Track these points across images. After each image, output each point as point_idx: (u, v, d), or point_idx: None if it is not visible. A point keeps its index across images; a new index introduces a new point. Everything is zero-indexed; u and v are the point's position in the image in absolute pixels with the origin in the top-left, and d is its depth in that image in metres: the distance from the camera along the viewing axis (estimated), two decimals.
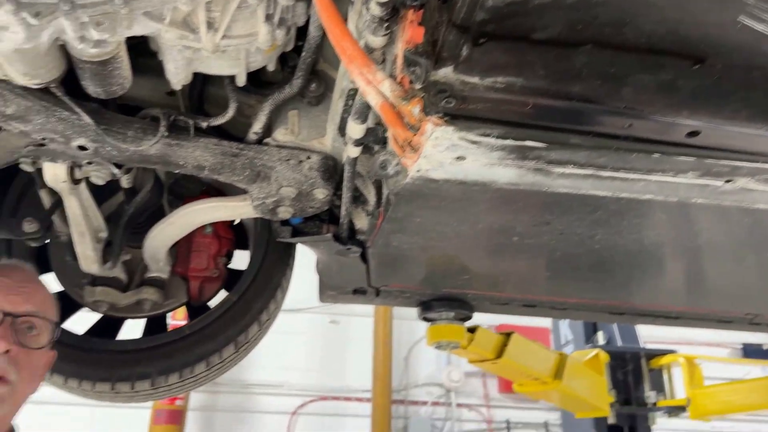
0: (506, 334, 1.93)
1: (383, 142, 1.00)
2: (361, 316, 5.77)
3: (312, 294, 5.71)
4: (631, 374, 3.37)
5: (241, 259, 1.83)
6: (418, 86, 0.72)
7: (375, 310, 5.58)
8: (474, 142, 0.74)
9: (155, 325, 1.73)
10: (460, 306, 1.70)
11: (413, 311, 5.90)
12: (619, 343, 3.43)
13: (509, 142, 0.76)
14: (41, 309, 1.10)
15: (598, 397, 2.50)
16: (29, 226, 1.26)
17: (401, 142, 0.77)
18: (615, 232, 1.24)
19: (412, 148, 0.76)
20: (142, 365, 1.51)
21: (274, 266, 1.68)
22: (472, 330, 1.81)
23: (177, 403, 4.65)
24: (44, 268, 1.74)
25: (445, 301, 1.68)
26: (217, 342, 1.59)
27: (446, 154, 0.77)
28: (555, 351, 2.34)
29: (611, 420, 2.83)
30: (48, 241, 1.71)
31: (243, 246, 1.88)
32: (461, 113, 0.75)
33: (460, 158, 0.78)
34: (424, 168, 0.81)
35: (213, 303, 1.73)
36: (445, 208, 1.16)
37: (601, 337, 3.20)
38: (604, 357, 2.80)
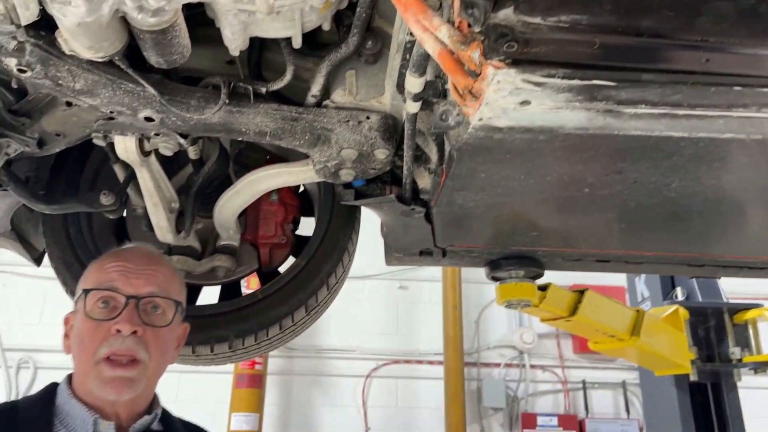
0: (580, 292, 1.88)
1: (443, 94, 0.97)
2: (429, 281, 5.79)
3: (380, 261, 5.82)
4: (714, 330, 3.24)
5: (307, 226, 1.85)
6: (476, 29, 0.69)
7: (443, 275, 5.57)
8: (538, 84, 0.71)
9: (230, 291, 1.78)
10: (530, 264, 1.66)
11: (482, 274, 5.87)
12: (700, 298, 3.29)
13: (576, 82, 0.72)
14: (162, 289, 1.15)
15: (679, 354, 2.42)
16: (106, 199, 1.32)
17: (462, 90, 0.74)
18: (692, 178, 1.17)
19: (473, 95, 0.73)
20: (220, 329, 1.56)
21: (339, 230, 1.69)
22: (543, 288, 1.77)
23: (256, 367, 4.84)
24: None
25: (514, 260, 1.64)
26: (289, 305, 1.62)
27: (509, 100, 0.73)
28: (632, 307, 2.27)
29: (693, 377, 2.74)
30: (125, 215, 1.79)
31: (308, 213, 1.91)
32: (523, 57, 0.72)
33: (524, 103, 0.75)
34: (486, 116, 0.78)
35: (283, 269, 1.77)
36: (511, 161, 1.12)
37: (679, 293, 3.08)
38: (684, 313, 2.69)
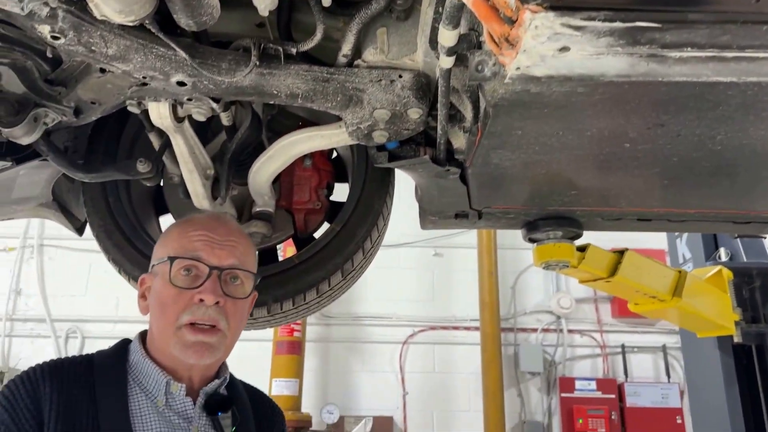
0: (620, 252, 1.84)
1: (478, 47, 0.94)
2: (464, 248, 5.77)
3: (415, 229, 5.82)
4: (759, 291, 3.15)
5: (341, 192, 1.85)
6: None
7: (478, 241, 5.54)
8: (578, 29, 0.68)
9: (266, 257, 1.80)
10: (569, 224, 1.62)
11: (517, 240, 5.85)
12: (744, 259, 3.20)
13: (618, 25, 0.68)
14: (242, 261, 1.17)
15: (722, 315, 2.36)
16: (142, 166, 1.33)
17: (497, 38, 0.72)
18: (739, 129, 1.12)
19: (509, 43, 0.71)
20: (258, 294, 1.58)
21: (373, 195, 1.69)
22: (582, 249, 1.74)
23: (295, 335, 4.93)
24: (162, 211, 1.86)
25: (552, 220, 1.61)
26: (325, 270, 1.63)
27: (548, 46, 0.71)
28: (673, 268, 2.22)
29: (737, 339, 2.68)
30: (162, 184, 1.81)
31: (342, 179, 1.91)
32: (561, 3, 0.68)
33: (563, 49, 0.72)
34: (524, 65, 0.75)
35: (317, 235, 1.78)
36: (548, 116, 1.09)
37: (723, 254, 3.00)
38: (728, 274, 2.62)
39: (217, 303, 1.10)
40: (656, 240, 3.94)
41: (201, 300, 1.09)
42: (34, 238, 5.76)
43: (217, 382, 1.16)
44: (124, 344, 1.18)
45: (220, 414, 1.12)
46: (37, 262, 5.72)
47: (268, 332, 5.01)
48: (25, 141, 1.21)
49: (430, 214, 1.65)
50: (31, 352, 5.38)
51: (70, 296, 5.64)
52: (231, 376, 1.23)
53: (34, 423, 0.99)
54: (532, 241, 1.69)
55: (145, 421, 1.06)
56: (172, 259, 1.12)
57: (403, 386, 5.41)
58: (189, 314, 1.09)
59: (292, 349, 4.88)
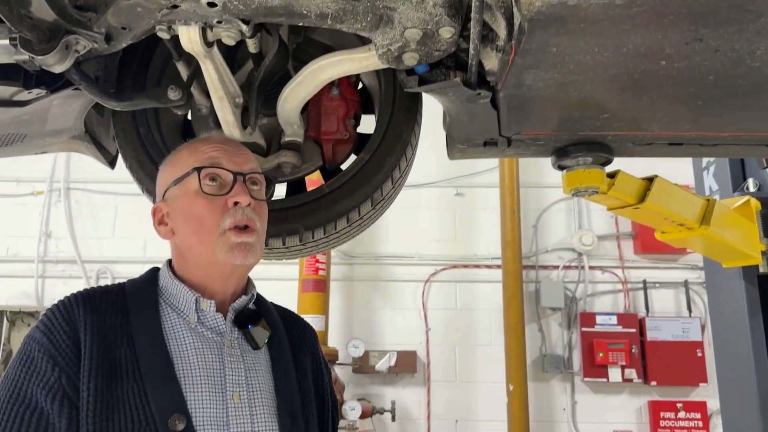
0: (649, 179, 1.83)
1: None
2: (486, 187, 5.75)
3: (436, 169, 5.84)
4: None
5: (367, 125, 1.85)
6: None
7: (500, 180, 5.52)
8: None
9: (296, 187, 1.82)
10: (599, 149, 1.61)
11: (540, 178, 5.82)
12: None
13: None
14: (258, 166, 1.24)
15: (749, 245, 2.35)
16: (173, 94, 1.34)
17: None
18: None
19: None
20: (290, 222, 1.61)
21: (401, 123, 1.68)
22: (611, 175, 1.73)
23: (320, 273, 5.02)
24: None
25: (583, 145, 1.60)
26: (355, 199, 1.65)
27: None
28: (702, 196, 2.20)
29: (763, 269, 2.66)
30: (190, 116, 1.82)
31: (369, 110, 1.90)
32: None
33: None
34: None
35: (345, 167, 1.79)
36: (584, 32, 1.07)
37: (751, 184, 2.95)
38: (756, 204, 2.59)
39: (249, 204, 1.15)
40: (683, 174, 3.88)
41: (235, 203, 1.14)
42: (61, 182, 5.86)
43: (245, 297, 1.20)
44: (154, 271, 1.23)
45: (250, 327, 1.16)
46: (65, 205, 5.84)
47: (294, 272, 5.11)
48: (57, 69, 1.21)
49: (459, 143, 1.65)
50: (64, 292, 5.54)
51: (98, 238, 5.77)
52: (259, 294, 1.27)
53: (72, 344, 1.03)
54: (561, 168, 1.68)
55: (178, 337, 1.11)
56: (198, 169, 1.15)
57: (426, 322, 5.52)
58: (229, 218, 1.13)
59: (318, 287, 4.99)
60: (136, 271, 1.26)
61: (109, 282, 5.52)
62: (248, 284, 1.25)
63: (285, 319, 1.31)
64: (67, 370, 1.01)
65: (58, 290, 5.62)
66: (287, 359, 1.22)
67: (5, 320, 5.53)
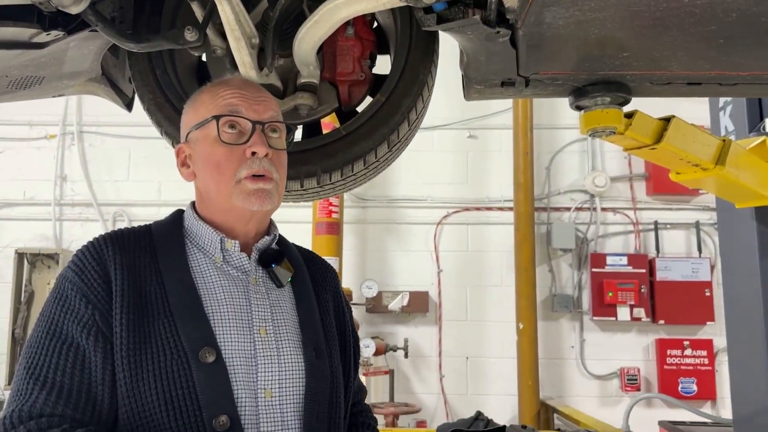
0: (666, 119, 1.81)
1: None
2: (499, 129, 5.71)
3: (449, 111, 5.78)
4: None
5: (383, 64, 1.83)
6: None
7: (514, 121, 5.47)
8: None
9: (312, 130, 1.83)
10: (618, 89, 1.60)
11: (554, 120, 5.76)
12: None
13: None
14: (278, 114, 1.23)
15: (763, 185, 2.34)
16: (190, 35, 1.33)
17: None
18: None
19: None
20: (308, 164, 1.62)
21: (418, 64, 1.67)
22: (629, 115, 1.72)
23: (333, 216, 5.07)
24: None
25: (601, 85, 1.58)
26: (372, 141, 1.65)
27: None
28: (718, 137, 2.18)
29: None
30: (205, 58, 1.82)
31: (384, 50, 1.88)
32: None
33: None
34: None
35: (361, 109, 1.78)
36: None
37: (767, 125, 2.92)
38: None
39: (266, 155, 1.16)
40: (698, 115, 3.83)
41: (253, 153, 1.15)
42: (74, 125, 5.87)
43: (268, 238, 1.24)
44: (179, 213, 1.26)
45: (274, 266, 1.19)
46: (79, 148, 5.87)
47: (308, 215, 5.16)
48: (74, 10, 1.21)
49: (476, 83, 1.64)
50: (82, 235, 5.65)
51: (113, 181, 5.82)
52: (281, 235, 1.30)
53: (103, 282, 1.07)
54: (579, 108, 1.67)
55: (205, 276, 1.15)
56: (217, 117, 1.16)
57: (438, 264, 5.60)
58: (246, 168, 1.15)
59: (331, 230, 5.05)
60: (153, 213, 1.28)
61: (126, 224, 5.60)
62: (271, 225, 1.28)
63: (307, 259, 1.35)
64: (100, 308, 1.05)
65: (75, 233, 5.72)
66: (310, 297, 1.26)
67: (26, 262, 5.66)
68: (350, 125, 1.65)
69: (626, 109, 1.67)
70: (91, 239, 1.15)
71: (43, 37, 1.33)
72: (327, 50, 1.72)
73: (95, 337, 1.03)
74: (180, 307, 1.08)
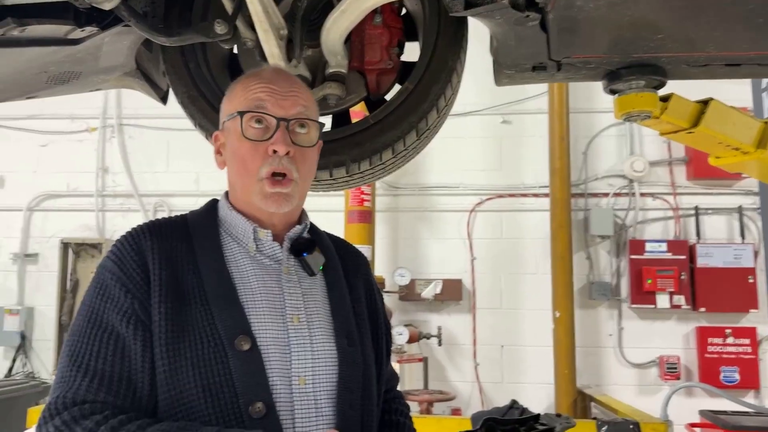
0: (704, 102, 1.76)
1: None
2: (534, 113, 5.62)
3: (482, 97, 5.72)
4: None
5: (412, 51, 1.82)
6: None
7: (549, 105, 5.38)
8: None
9: (341, 119, 1.83)
10: (652, 72, 1.56)
11: (590, 103, 5.64)
12: None
13: None
14: (307, 110, 1.21)
15: None
16: (220, 28, 1.35)
17: None
18: None
19: None
20: (337, 154, 1.63)
21: (447, 50, 1.65)
22: (665, 99, 1.67)
23: (365, 204, 5.08)
24: None
25: (635, 68, 1.55)
26: (400, 129, 1.65)
27: None
28: (758, 119, 2.11)
29: None
30: (236, 50, 1.84)
31: (412, 37, 1.87)
32: None
33: None
34: None
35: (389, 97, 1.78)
36: None
37: None
38: None
39: (288, 153, 1.15)
40: (739, 96, 3.70)
41: (274, 151, 1.15)
42: (113, 118, 6.00)
43: (299, 227, 1.24)
44: (213, 203, 1.27)
45: (305, 255, 1.20)
46: (119, 141, 6.01)
47: (340, 203, 5.18)
48: (107, 6, 1.24)
49: (506, 68, 1.62)
50: (124, 225, 5.79)
51: (153, 173, 5.95)
52: (312, 224, 1.30)
53: (141, 272, 1.09)
54: (612, 92, 1.64)
55: (239, 264, 1.16)
56: (241, 113, 1.16)
57: (471, 252, 5.57)
58: (267, 166, 1.15)
59: (363, 218, 5.06)
60: (191, 203, 1.30)
61: (166, 215, 5.72)
62: (302, 214, 1.29)
63: (338, 247, 1.35)
64: (139, 297, 1.07)
65: (117, 223, 5.88)
66: (342, 284, 1.26)
67: (70, 252, 5.84)
68: (378, 114, 1.65)
69: (662, 92, 1.63)
70: (130, 229, 1.17)
71: (77, 34, 1.36)
72: (355, 39, 1.72)
73: (135, 325, 1.05)
74: (216, 296, 1.09)
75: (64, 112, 5.96)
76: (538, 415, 1.12)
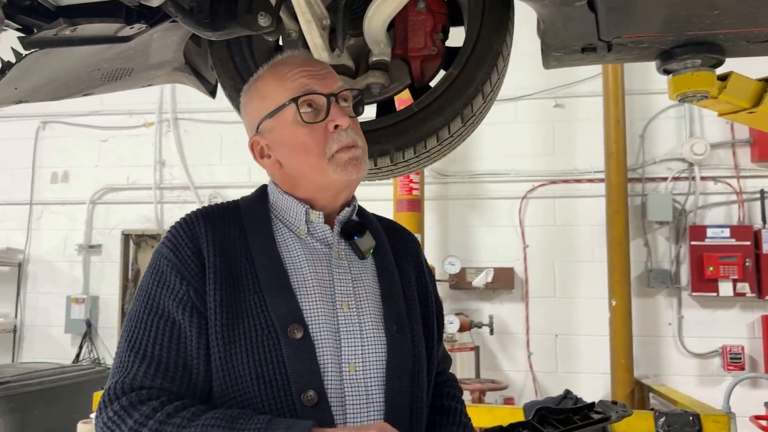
0: (766, 80, 1.67)
1: None
2: (588, 96, 5.47)
3: (533, 81, 5.59)
4: None
5: (457, 36, 1.80)
6: None
7: (604, 87, 5.21)
8: None
9: (385, 107, 1.83)
10: (709, 50, 1.49)
11: (648, 84, 5.44)
12: None
13: None
14: (343, 82, 1.23)
15: None
16: (263, 20, 1.36)
17: None
18: None
19: None
20: (381, 143, 1.63)
21: (492, 34, 1.62)
22: (723, 78, 1.59)
23: (414, 193, 5.07)
24: None
25: (691, 46, 1.48)
26: (445, 116, 1.63)
27: None
28: None
29: None
30: (280, 42, 1.85)
31: (457, 22, 1.84)
32: None
33: None
34: None
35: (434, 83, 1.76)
36: None
37: None
38: None
39: (349, 125, 1.16)
40: None
41: (336, 127, 1.15)
42: (169, 113, 6.18)
43: (348, 209, 1.23)
44: (263, 188, 1.28)
45: (356, 238, 1.20)
46: (175, 135, 6.18)
47: (389, 192, 5.19)
48: (154, 3, 1.27)
49: (554, 50, 1.57)
50: (181, 216, 5.97)
51: (207, 165, 6.10)
52: (360, 207, 1.29)
53: (196, 259, 1.10)
54: (666, 72, 1.57)
55: (290, 249, 1.17)
56: (295, 99, 1.16)
57: (523, 239, 5.48)
58: (335, 143, 1.15)
59: (412, 207, 5.05)
60: (245, 194, 1.30)
61: None
62: (351, 197, 1.27)
63: (388, 229, 1.33)
64: (194, 284, 1.09)
65: (175, 214, 6.06)
66: (392, 268, 1.25)
67: (131, 243, 6.07)
68: (422, 101, 1.63)
69: (719, 71, 1.56)
70: (183, 216, 1.19)
71: (127, 31, 1.40)
72: (398, 26, 1.71)
73: (190, 312, 1.07)
74: (268, 283, 1.10)
75: (122, 108, 6.17)
76: (593, 403, 1.08)
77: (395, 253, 1.29)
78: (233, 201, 1.25)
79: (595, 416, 1.05)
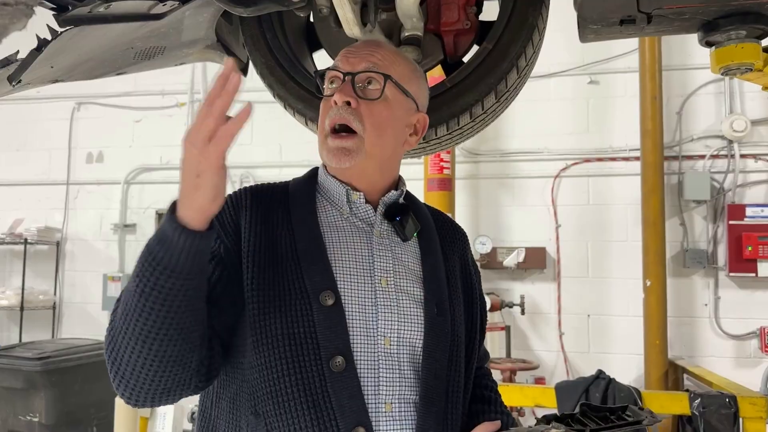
0: None
1: None
2: (623, 72, 5.33)
3: (567, 57, 5.47)
4: None
5: (491, 10, 1.76)
6: None
7: (640, 63, 5.07)
8: None
9: None
10: (755, 20, 1.42)
11: (686, 59, 5.29)
12: None
13: None
14: (377, 65, 1.19)
15: None
16: None
17: None
18: None
19: None
20: None
21: (527, 6, 1.58)
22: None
23: (445, 172, 5.02)
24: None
25: (735, 17, 1.42)
26: (478, 92, 1.60)
27: None
28: None
29: None
30: (312, 19, 1.84)
31: None
32: None
33: None
34: None
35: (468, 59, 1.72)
36: None
37: None
38: None
39: (349, 104, 1.16)
40: None
41: (335, 102, 1.17)
42: (200, 93, 6.22)
43: (395, 192, 1.25)
44: (314, 170, 1.31)
45: (399, 219, 1.20)
46: None
47: (419, 171, 5.16)
48: None
49: (591, 23, 1.52)
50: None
51: (239, 145, 6.01)
52: (409, 192, 1.31)
53: (233, 225, 1.15)
54: (709, 44, 1.51)
55: (332, 226, 1.20)
56: (318, 73, 1.23)
57: (556, 219, 5.41)
58: (328, 118, 1.18)
59: (443, 186, 5.02)
60: (275, 174, 1.34)
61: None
62: (399, 180, 1.29)
63: (436, 218, 1.35)
64: (227, 243, 1.13)
65: None
66: (437, 253, 1.26)
67: None
68: (455, 77, 1.60)
69: (765, 42, 1.49)
70: (236, 189, 1.24)
71: (159, 8, 1.40)
72: (431, 0, 1.68)
73: (215, 264, 1.10)
74: (306, 253, 1.13)
75: (155, 88, 6.24)
76: (627, 406, 1.11)
77: (442, 241, 1.30)
78: (285, 181, 1.30)
79: (629, 418, 1.08)
